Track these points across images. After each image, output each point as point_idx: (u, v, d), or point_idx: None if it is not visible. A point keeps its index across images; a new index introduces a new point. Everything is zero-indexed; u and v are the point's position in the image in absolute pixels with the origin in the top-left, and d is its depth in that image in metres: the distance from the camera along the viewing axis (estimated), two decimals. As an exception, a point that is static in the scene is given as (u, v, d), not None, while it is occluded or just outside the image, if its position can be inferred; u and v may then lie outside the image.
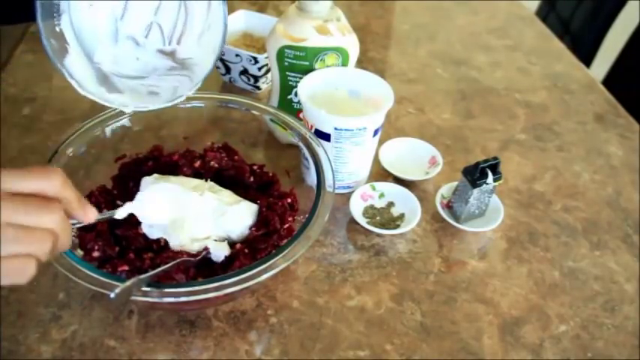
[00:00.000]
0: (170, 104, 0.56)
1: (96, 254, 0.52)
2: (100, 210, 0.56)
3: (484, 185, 0.62)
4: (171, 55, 0.56)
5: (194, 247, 0.53)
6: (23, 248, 0.36)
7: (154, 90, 0.56)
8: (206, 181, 0.59)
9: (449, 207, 0.66)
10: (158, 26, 0.55)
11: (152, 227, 0.54)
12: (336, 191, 0.56)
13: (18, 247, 0.35)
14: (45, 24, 0.49)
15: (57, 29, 0.51)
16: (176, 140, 0.66)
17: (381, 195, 0.68)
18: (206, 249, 0.53)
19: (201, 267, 0.52)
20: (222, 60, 0.82)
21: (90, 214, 0.42)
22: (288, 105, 0.72)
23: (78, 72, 0.52)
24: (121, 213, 0.50)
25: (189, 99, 0.64)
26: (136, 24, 0.55)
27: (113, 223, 0.55)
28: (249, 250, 0.53)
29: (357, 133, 0.62)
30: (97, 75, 0.54)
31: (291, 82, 0.69)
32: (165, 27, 0.56)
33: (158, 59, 0.57)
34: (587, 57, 1.32)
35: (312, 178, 0.57)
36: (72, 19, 0.51)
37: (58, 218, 0.37)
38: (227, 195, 0.57)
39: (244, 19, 0.89)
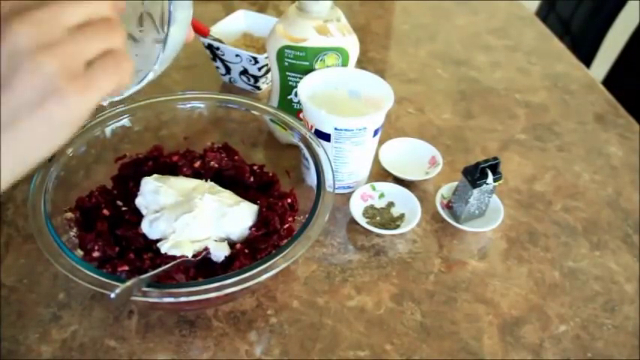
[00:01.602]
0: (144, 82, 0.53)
1: (96, 254, 0.52)
2: (100, 209, 0.56)
3: (484, 185, 0.62)
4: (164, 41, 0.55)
5: (186, 251, 0.52)
6: (106, 42, 0.32)
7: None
8: (206, 181, 0.59)
9: (449, 207, 0.67)
10: (149, 15, 0.54)
11: (152, 227, 0.54)
12: (336, 191, 0.56)
13: (101, 43, 0.32)
14: None
15: None
16: (176, 140, 0.66)
17: (381, 195, 0.68)
18: (206, 249, 0.53)
19: (201, 267, 0.52)
20: (222, 60, 0.82)
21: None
22: (288, 105, 0.72)
23: None
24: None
25: (189, 99, 0.65)
26: (129, 20, 0.54)
27: (113, 223, 0.55)
28: (249, 250, 0.53)
29: (357, 133, 0.62)
30: None
31: (291, 82, 0.69)
32: (155, 14, 0.55)
33: (154, 49, 0.56)
34: (587, 57, 1.32)
35: (312, 178, 0.57)
36: None
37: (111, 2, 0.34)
38: (227, 196, 0.57)
39: (244, 19, 0.89)
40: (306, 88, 0.65)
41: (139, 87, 0.47)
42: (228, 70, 0.84)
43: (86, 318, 0.54)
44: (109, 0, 0.34)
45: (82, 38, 0.32)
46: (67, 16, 0.31)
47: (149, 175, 0.58)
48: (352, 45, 0.68)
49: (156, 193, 0.56)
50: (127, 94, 0.45)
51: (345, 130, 0.61)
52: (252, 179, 0.62)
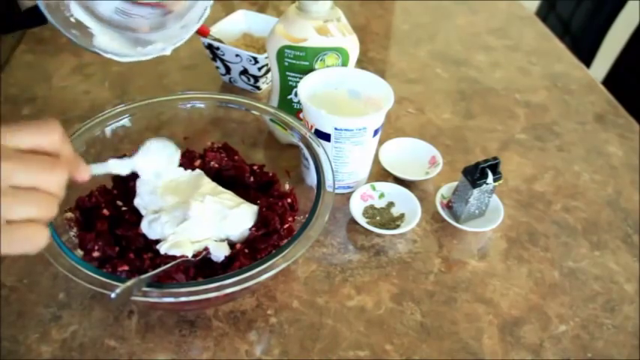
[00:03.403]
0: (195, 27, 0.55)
1: (96, 254, 0.52)
2: (100, 209, 0.56)
3: (484, 185, 0.62)
4: None
5: (186, 251, 0.52)
6: (32, 212, 0.34)
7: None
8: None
9: (449, 207, 0.67)
10: None
11: (151, 228, 0.54)
12: (336, 191, 0.56)
13: (27, 211, 0.34)
14: (58, 20, 0.49)
15: (72, 20, 0.51)
16: (176, 140, 0.65)
17: (381, 195, 0.68)
18: (206, 249, 0.53)
19: (201, 267, 0.52)
20: (222, 60, 0.82)
21: (84, 173, 0.40)
22: (288, 105, 0.72)
23: (110, 46, 0.52)
24: (116, 168, 0.50)
25: (189, 99, 0.65)
26: None
27: (113, 223, 0.55)
28: (249, 250, 0.53)
29: (357, 133, 0.62)
30: (127, 39, 0.54)
31: (291, 82, 0.69)
32: None
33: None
34: (587, 57, 1.32)
35: (312, 178, 0.57)
36: (81, 4, 0.51)
37: (62, 180, 0.35)
38: (228, 197, 0.57)
39: (244, 19, 0.89)
40: (306, 88, 0.65)
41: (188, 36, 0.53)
42: (228, 70, 0.84)
43: (86, 318, 0.54)
44: (61, 179, 0.36)
45: (18, 199, 0.33)
46: (20, 176, 0.33)
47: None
48: (352, 45, 0.68)
49: (153, 194, 0.56)
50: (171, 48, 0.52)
51: (345, 130, 0.61)
52: (252, 179, 0.62)
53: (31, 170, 0.34)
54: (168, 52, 0.54)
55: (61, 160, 0.36)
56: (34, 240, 0.35)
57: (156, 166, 0.55)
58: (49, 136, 0.36)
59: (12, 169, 0.33)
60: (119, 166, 0.51)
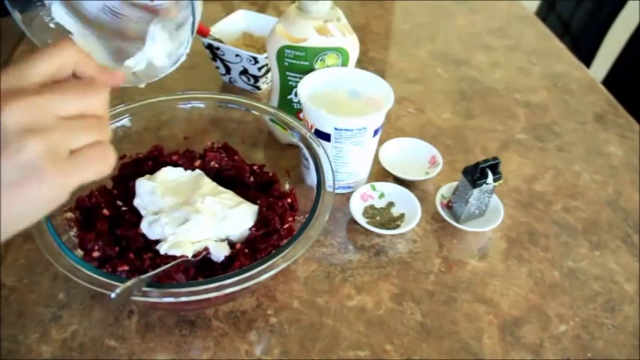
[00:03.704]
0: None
1: (96, 254, 0.52)
2: (100, 209, 0.56)
3: (484, 185, 0.62)
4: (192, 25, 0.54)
5: (186, 251, 0.52)
6: (91, 135, 0.34)
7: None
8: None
9: (449, 207, 0.67)
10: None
11: (151, 228, 0.54)
12: (336, 191, 0.56)
13: (87, 136, 0.34)
14: (32, 26, 0.48)
15: (51, 25, 0.50)
16: (176, 140, 0.66)
17: (381, 195, 0.68)
18: (206, 249, 0.53)
19: (201, 267, 0.52)
20: (222, 60, 0.82)
21: (118, 76, 0.40)
22: (288, 105, 0.72)
23: (94, 54, 0.51)
24: (130, 64, 0.48)
25: (189, 99, 0.65)
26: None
27: (113, 223, 0.55)
28: (249, 250, 0.53)
29: (357, 133, 0.62)
30: (108, 51, 0.53)
31: (291, 82, 0.69)
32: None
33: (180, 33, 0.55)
34: (587, 57, 1.32)
35: (312, 178, 0.57)
36: (67, 6, 0.50)
37: (103, 96, 0.35)
38: (228, 197, 0.57)
39: (244, 19, 0.89)
40: (306, 88, 0.65)
41: (174, 67, 0.51)
42: (228, 70, 0.84)
43: (86, 318, 0.54)
44: (102, 99, 0.36)
45: (71, 128, 0.33)
46: (62, 106, 0.33)
47: (150, 174, 0.58)
48: (352, 45, 0.68)
49: (152, 194, 0.56)
50: (162, 74, 0.50)
51: (345, 130, 0.61)
52: (252, 179, 0.62)
53: (68, 97, 0.34)
54: (142, 85, 0.52)
55: (94, 79, 0.36)
56: (104, 159, 0.35)
57: (166, 47, 0.51)
58: (64, 53, 0.35)
59: (46, 99, 0.33)
60: (135, 62, 0.49)
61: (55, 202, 0.33)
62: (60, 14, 0.50)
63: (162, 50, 0.51)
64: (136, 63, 0.49)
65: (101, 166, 0.35)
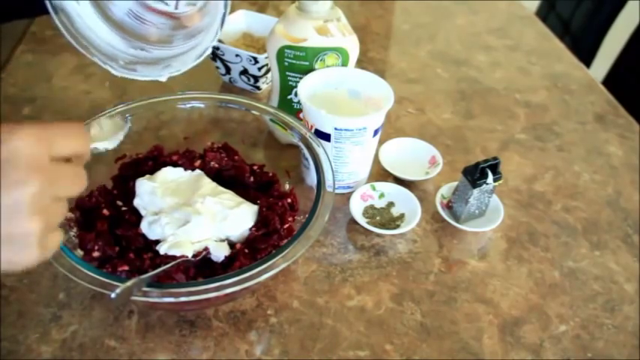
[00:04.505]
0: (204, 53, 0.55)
1: (96, 254, 0.52)
2: (100, 209, 0.56)
3: (484, 185, 0.62)
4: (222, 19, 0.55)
5: (186, 251, 0.52)
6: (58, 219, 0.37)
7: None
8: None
9: (449, 207, 0.67)
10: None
11: (151, 229, 0.54)
12: (336, 191, 0.56)
13: (56, 220, 0.37)
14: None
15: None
16: (176, 140, 0.66)
17: (381, 195, 0.68)
18: (206, 249, 0.53)
19: (201, 267, 0.52)
20: (222, 60, 0.82)
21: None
22: (288, 105, 0.72)
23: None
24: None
25: (189, 99, 0.65)
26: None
27: (113, 223, 0.55)
28: (249, 250, 0.53)
29: (357, 133, 0.62)
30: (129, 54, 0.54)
31: (291, 82, 0.69)
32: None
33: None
34: (587, 57, 1.32)
35: (312, 178, 0.57)
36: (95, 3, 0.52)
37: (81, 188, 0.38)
38: (228, 197, 0.57)
39: (244, 19, 0.89)
40: (306, 88, 0.65)
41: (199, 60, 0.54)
42: (228, 70, 0.84)
43: (86, 318, 0.54)
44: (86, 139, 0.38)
45: (60, 210, 0.37)
46: (57, 191, 0.36)
47: (150, 174, 0.58)
48: (352, 45, 0.68)
49: (152, 194, 0.56)
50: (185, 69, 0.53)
51: (345, 130, 0.61)
52: (252, 179, 0.62)
53: (61, 185, 0.36)
54: (163, 79, 0.53)
55: (82, 168, 0.38)
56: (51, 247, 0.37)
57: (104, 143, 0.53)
58: (83, 142, 0.38)
59: (46, 183, 0.34)
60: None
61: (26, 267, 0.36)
62: (89, 13, 0.51)
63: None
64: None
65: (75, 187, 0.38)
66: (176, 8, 0.54)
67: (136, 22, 0.54)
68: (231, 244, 0.55)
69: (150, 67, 0.54)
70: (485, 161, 0.62)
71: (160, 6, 0.54)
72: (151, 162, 0.62)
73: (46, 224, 0.35)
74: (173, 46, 0.56)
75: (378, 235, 0.64)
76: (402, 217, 0.65)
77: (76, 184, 0.37)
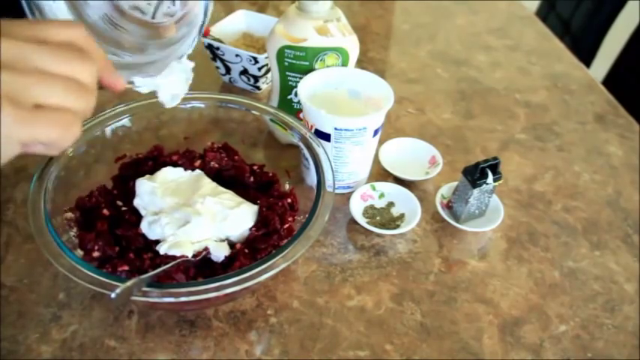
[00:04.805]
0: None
1: (96, 254, 0.52)
2: (100, 209, 0.56)
3: (484, 185, 0.62)
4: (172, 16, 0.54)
5: (186, 251, 0.52)
6: (65, 99, 0.32)
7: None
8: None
9: (449, 207, 0.66)
10: None
11: (151, 229, 0.54)
12: (336, 191, 0.56)
13: (59, 96, 0.31)
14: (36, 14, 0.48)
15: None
16: (176, 140, 0.66)
17: (381, 195, 0.68)
18: (206, 249, 0.53)
19: (201, 267, 0.52)
20: (222, 60, 0.82)
21: (120, 81, 0.38)
22: (288, 105, 0.72)
23: None
24: (140, 83, 0.48)
25: (189, 99, 0.65)
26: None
27: (113, 223, 0.55)
28: (249, 250, 0.53)
29: (357, 133, 0.62)
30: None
31: (291, 82, 0.69)
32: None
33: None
34: (587, 57, 1.32)
35: (312, 178, 0.57)
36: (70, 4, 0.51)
37: (92, 71, 0.33)
38: (228, 197, 0.57)
39: (244, 19, 0.89)
40: (306, 88, 0.65)
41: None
42: (228, 70, 0.84)
43: (86, 318, 0.54)
44: (91, 68, 0.34)
45: (46, 81, 0.31)
46: (47, 61, 0.31)
47: (150, 174, 0.58)
48: (352, 45, 0.68)
49: (152, 194, 0.56)
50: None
51: (345, 130, 0.61)
52: (252, 179, 0.62)
53: (56, 54, 0.31)
54: (144, 91, 0.51)
55: (90, 53, 0.34)
56: (67, 127, 0.32)
57: (175, 88, 0.52)
58: (75, 31, 0.33)
59: (32, 48, 0.31)
60: (142, 83, 0.49)
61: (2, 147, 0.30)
62: (63, 12, 0.50)
63: (170, 88, 0.52)
64: (141, 84, 0.49)
65: (61, 133, 0.32)
66: (153, 18, 0.53)
67: (109, 27, 0.53)
68: (231, 244, 0.55)
69: (123, 72, 0.53)
70: (485, 161, 0.62)
71: (137, 13, 0.53)
72: (151, 162, 0.62)
73: (38, 93, 0.31)
74: (146, 54, 0.55)
75: (378, 235, 0.64)
76: (402, 217, 0.65)
77: (85, 62, 0.32)
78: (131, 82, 0.47)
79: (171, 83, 0.52)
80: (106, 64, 0.37)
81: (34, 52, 0.31)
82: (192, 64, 0.53)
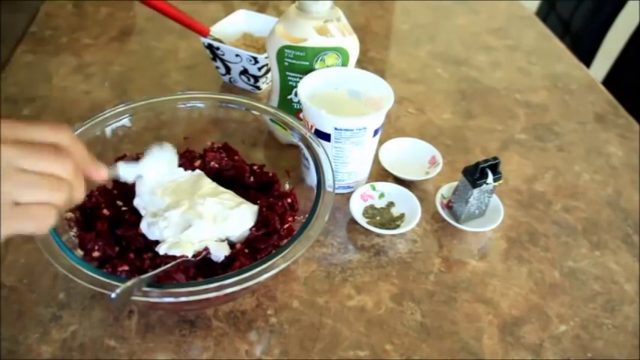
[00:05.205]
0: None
1: (96, 254, 0.52)
2: (100, 209, 0.56)
3: (484, 185, 0.62)
4: None
5: (186, 251, 0.52)
6: (41, 195, 0.35)
7: None
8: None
9: (449, 207, 0.66)
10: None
11: (150, 229, 0.54)
12: (336, 191, 0.56)
13: (35, 194, 0.35)
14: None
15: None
16: (176, 140, 0.65)
17: (381, 195, 0.68)
18: (206, 249, 0.53)
19: (201, 267, 0.52)
20: (222, 60, 0.82)
21: (102, 171, 0.42)
22: (288, 105, 0.72)
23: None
24: (124, 172, 0.51)
25: (189, 99, 0.65)
26: None
27: (113, 223, 0.55)
28: (249, 250, 0.53)
29: (357, 133, 0.62)
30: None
31: (291, 82, 0.69)
32: None
33: None
34: (587, 57, 1.32)
35: (312, 178, 0.57)
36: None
37: (71, 167, 0.37)
38: (228, 197, 0.57)
39: (244, 19, 0.89)
40: (306, 88, 0.65)
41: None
42: (228, 70, 0.84)
43: (86, 318, 0.54)
44: (69, 166, 0.37)
45: (24, 183, 0.35)
46: (27, 162, 0.35)
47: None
48: (352, 45, 0.68)
49: (152, 194, 0.56)
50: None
51: (345, 130, 0.61)
52: (252, 179, 0.62)
53: (35, 155, 0.35)
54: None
55: (68, 151, 0.38)
56: (43, 219, 0.36)
57: (158, 171, 0.55)
58: (58, 134, 0.37)
59: (16, 152, 0.34)
60: (127, 172, 0.52)
61: None
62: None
63: (154, 174, 0.55)
64: (125, 173, 0.52)
65: (37, 226, 0.36)
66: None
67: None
68: (231, 244, 0.55)
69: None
70: (485, 161, 0.62)
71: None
72: (151, 162, 0.62)
73: (17, 193, 0.34)
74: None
75: (378, 235, 0.64)
76: (402, 217, 0.65)
77: (61, 159, 0.36)
78: (115, 171, 0.50)
79: (155, 169, 0.55)
80: (87, 158, 0.41)
81: (16, 156, 0.34)
82: (173, 149, 0.56)
